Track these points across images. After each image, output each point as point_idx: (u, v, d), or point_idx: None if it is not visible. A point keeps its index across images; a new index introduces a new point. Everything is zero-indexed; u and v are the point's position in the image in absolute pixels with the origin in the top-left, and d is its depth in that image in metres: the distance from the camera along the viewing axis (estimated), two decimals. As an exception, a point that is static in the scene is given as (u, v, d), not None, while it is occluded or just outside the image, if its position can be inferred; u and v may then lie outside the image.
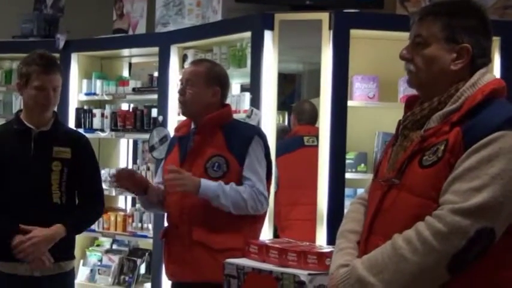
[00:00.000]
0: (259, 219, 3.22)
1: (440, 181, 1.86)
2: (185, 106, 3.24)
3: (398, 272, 1.82)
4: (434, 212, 1.84)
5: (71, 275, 3.35)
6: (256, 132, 3.25)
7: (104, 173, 5.22)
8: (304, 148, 4.76)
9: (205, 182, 3.05)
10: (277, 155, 4.65)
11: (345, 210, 4.06)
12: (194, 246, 3.09)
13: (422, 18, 2.01)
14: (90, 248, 5.40)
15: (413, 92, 2.15)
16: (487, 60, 2.01)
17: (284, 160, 4.71)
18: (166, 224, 3.42)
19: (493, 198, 1.78)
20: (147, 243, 5.16)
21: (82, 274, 5.26)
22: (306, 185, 4.41)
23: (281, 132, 5.37)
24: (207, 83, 3.19)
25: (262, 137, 3.24)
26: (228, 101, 4.45)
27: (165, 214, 3.42)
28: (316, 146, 4.32)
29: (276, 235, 4.41)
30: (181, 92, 3.22)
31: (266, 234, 4.08)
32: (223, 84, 3.26)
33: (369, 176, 4.21)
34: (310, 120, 4.93)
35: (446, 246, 1.78)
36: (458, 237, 1.78)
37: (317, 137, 4.31)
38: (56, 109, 3.36)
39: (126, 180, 3.25)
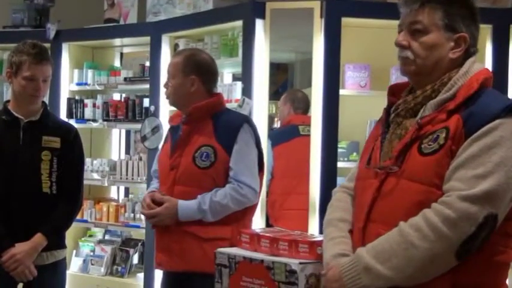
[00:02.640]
0: (249, 210, 3.20)
1: (443, 168, 1.89)
2: (169, 99, 3.28)
3: (408, 259, 1.84)
4: (441, 198, 1.86)
5: (63, 264, 3.35)
6: (245, 120, 3.21)
7: (96, 163, 5.22)
8: (300, 137, 4.76)
9: (182, 211, 3.06)
10: (273, 144, 4.65)
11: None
12: (182, 235, 3.10)
13: (424, 5, 2.01)
14: (82, 239, 5.40)
15: (403, 80, 2.15)
16: (476, 50, 2.06)
17: (280, 150, 4.71)
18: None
19: (497, 185, 1.83)
20: (139, 234, 5.15)
21: (75, 265, 5.26)
22: (302, 175, 4.41)
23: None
24: (184, 73, 3.18)
25: (252, 126, 3.21)
26: (219, 90, 4.46)
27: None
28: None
29: (268, 225, 4.41)
30: (165, 85, 3.27)
31: (258, 223, 4.09)
32: (202, 72, 3.21)
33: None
34: (306, 109, 4.93)
35: (456, 232, 1.82)
36: (468, 223, 1.81)
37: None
38: (47, 99, 3.34)
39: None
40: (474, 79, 1.96)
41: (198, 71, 3.20)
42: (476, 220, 1.81)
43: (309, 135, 4.35)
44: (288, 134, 4.85)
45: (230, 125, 3.14)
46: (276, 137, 4.84)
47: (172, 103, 3.31)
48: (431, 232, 1.83)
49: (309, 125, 4.46)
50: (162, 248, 3.18)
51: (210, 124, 3.15)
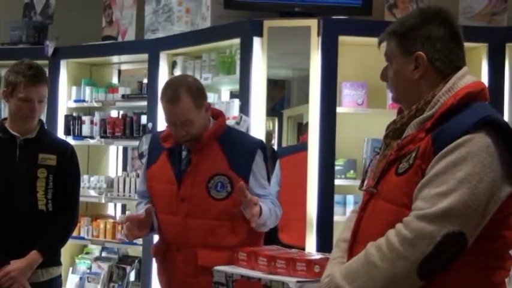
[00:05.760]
0: (260, 235, 3.05)
1: (412, 188, 1.88)
2: (196, 138, 2.97)
3: (370, 280, 1.84)
4: (404, 218, 1.85)
5: (59, 281, 3.34)
6: (258, 146, 3.05)
7: (93, 180, 5.22)
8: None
9: (263, 212, 2.89)
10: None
11: (334, 217, 4.14)
12: (200, 271, 2.88)
13: (384, 38, 2.09)
14: (79, 256, 5.38)
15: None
16: (460, 64, 2.01)
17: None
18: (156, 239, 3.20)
19: (460, 202, 1.79)
20: (136, 251, 5.14)
21: (71, 282, 5.24)
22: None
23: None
24: (198, 108, 2.92)
25: (264, 151, 3.06)
26: (217, 108, 4.47)
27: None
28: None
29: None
30: (187, 132, 2.93)
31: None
32: (205, 94, 3.02)
33: (358, 183, 4.24)
34: None
35: (412, 252, 1.79)
36: (424, 242, 1.78)
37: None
38: (45, 117, 3.34)
39: (138, 229, 2.97)
40: (453, 95, 1.93)
41: (204, 95, 3.01)
42: (433, 239, 1.77)
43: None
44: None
45: (244, 153, 2.98)
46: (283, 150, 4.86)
47: (197, 138, 2.98)
48: (389, 252, 1.82)
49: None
50: (177, 284, 3.00)
51: (218, 149, 2.97)
